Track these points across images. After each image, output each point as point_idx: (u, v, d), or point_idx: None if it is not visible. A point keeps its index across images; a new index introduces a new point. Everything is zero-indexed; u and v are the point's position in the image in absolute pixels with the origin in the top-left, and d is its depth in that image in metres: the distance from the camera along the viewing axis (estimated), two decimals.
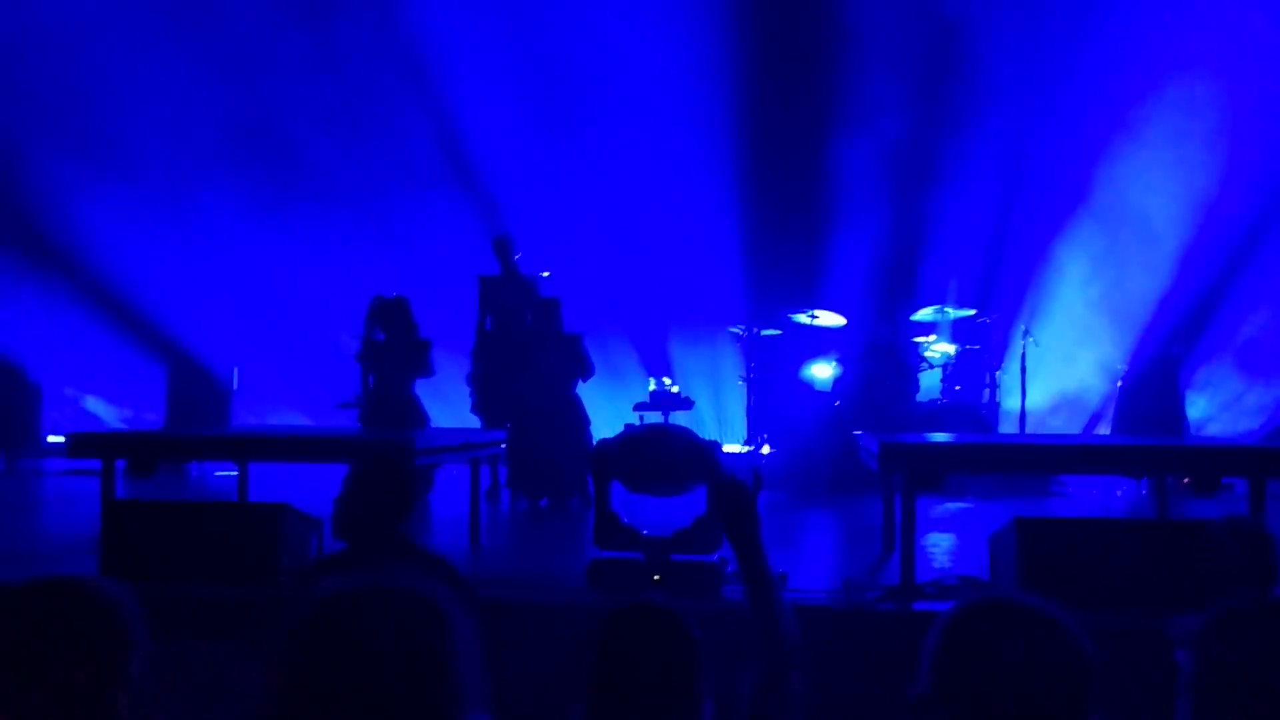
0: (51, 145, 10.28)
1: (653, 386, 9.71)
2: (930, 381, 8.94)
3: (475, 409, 8.28)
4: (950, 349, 8.80)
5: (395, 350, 7.75)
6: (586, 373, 7.70)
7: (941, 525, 6.33)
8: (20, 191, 10.16)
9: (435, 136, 10.93)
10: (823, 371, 9.10)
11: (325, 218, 11.25)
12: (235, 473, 6.10)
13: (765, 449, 8.75)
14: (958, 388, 8.75)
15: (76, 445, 5.08)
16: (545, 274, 8.37)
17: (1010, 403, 8.89)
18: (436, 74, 10.80)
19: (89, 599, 1.67)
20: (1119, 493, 7.44)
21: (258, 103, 10.68)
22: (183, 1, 10.45)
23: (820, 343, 9.74)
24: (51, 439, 9.32)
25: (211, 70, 10.49)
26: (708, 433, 9.66)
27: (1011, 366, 8.81)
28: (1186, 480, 6.74)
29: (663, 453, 4.51)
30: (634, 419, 9.34)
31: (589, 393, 7.99)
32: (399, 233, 11.06)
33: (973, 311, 9.14)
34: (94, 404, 10.57)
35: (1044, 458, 5.08)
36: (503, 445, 6.84)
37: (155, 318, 10.14)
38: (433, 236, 10.98)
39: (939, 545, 5.75)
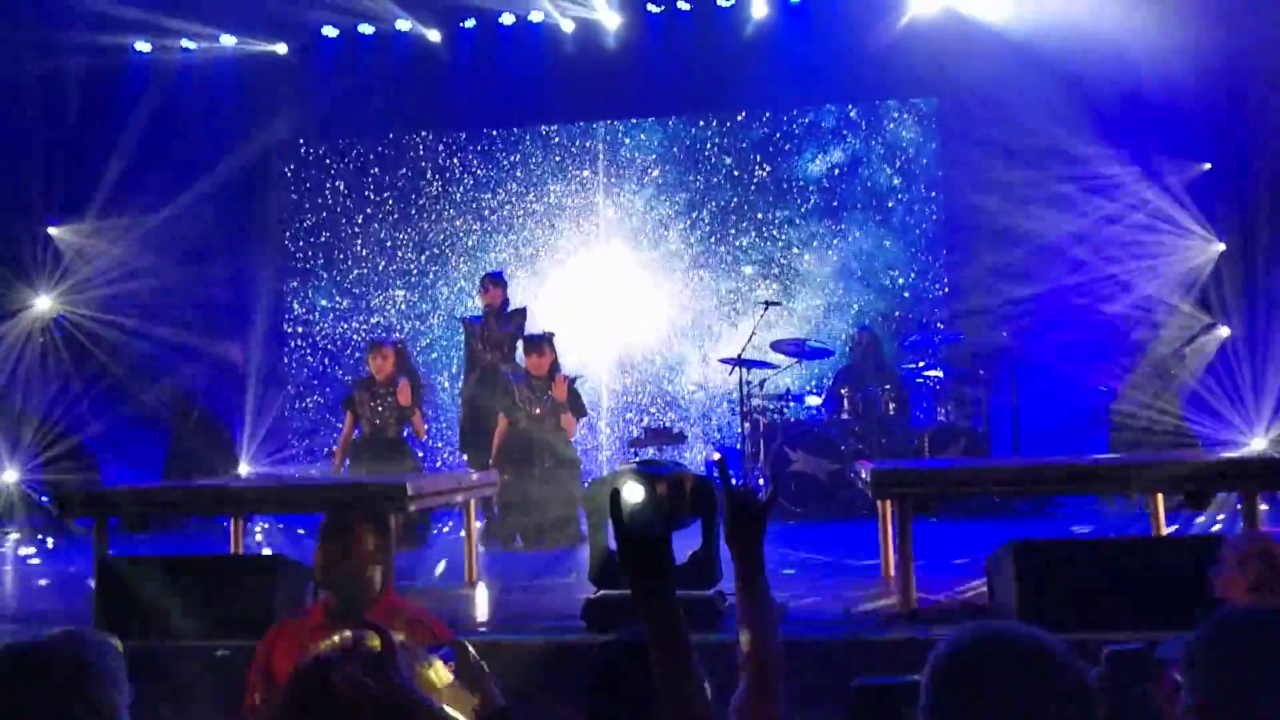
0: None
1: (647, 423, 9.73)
2: (922, 405, 8.94)
3: (462, 449, 8.29)
4: (940, 373, 8.83)
5: (386, 394, 7.76)
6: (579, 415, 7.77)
7: (938, 549, 6.31)
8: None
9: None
10: (812, 400, 9.12)
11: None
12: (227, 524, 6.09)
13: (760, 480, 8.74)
14: (949, 409, 8.77)
15: (66, 504, 5.06)
16: (525, 307, 8.43)
17: (1003, 424, 8.91)
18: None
19: (73, 657, 1.67)
20: None
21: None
22: None
23: (811, 371, 9.77)
24: None
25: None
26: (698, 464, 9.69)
27: (1003, 388, 8.84)
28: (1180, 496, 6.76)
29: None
30: (628, 455, 9.36)
31: (582, 428, 8.02)
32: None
33: (962, 335, 9.17)
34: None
35: (1034, 479, 5.08)
36: (495, 485, 6.82)
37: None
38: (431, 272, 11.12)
39: (937, 569, 5.73)
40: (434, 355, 10.93)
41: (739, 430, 8.99)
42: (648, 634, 1.82)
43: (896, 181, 10.45)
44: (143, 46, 10.76)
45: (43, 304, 10.49)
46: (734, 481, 2.11)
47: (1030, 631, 1.60)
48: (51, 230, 10.68)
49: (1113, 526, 7.07)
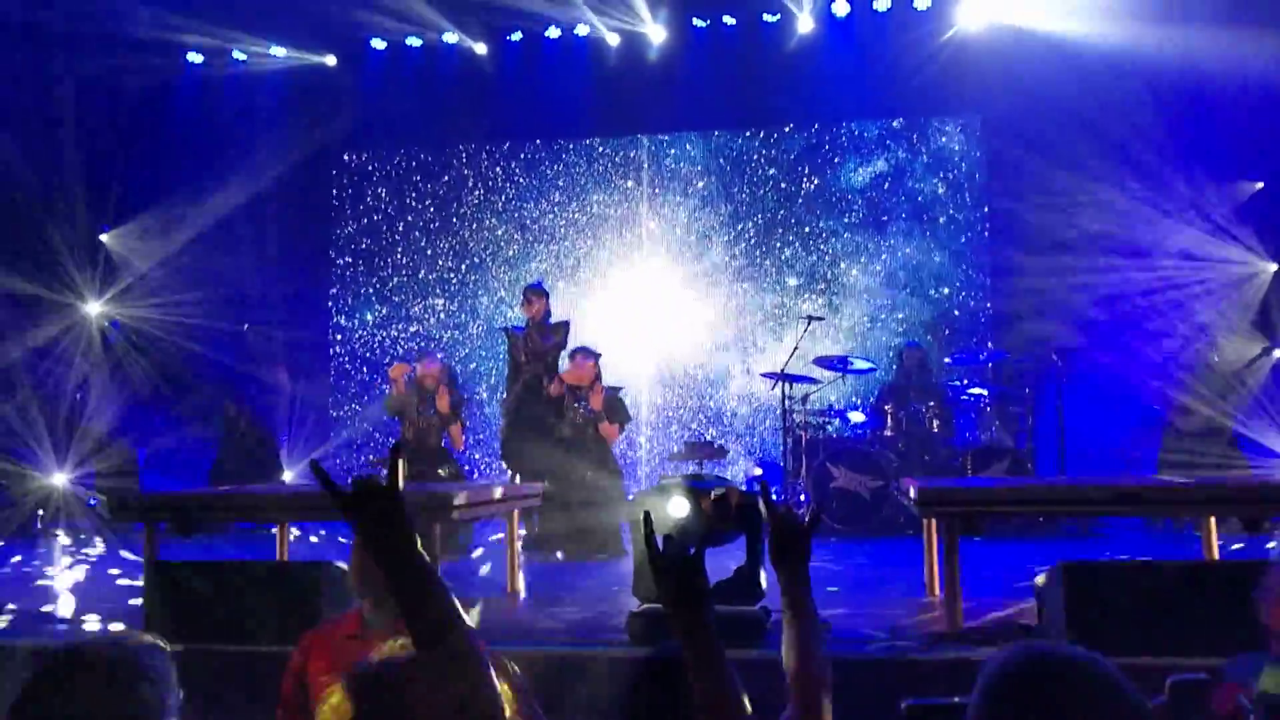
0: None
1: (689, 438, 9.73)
2: (967, 423, 8.86)
3: (503, 458, 8.32)
4: (984, 391, 8.75)
5: (431, 402, 7.84)
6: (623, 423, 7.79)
7: (982, 568, 6.24)
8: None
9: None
10: (855, 417, 9.07)
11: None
12: (275, 531, 6.15)
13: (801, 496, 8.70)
14: (994, 428, 8.68)
15: (118, 507, 5.12)
16: (568, 320, 8.46)
17: (1048, 443, 8.80)
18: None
19: (123, 660, 1.69)
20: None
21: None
22: None
23: (854, 386, 9.71)
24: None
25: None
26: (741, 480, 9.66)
27: (1049, 407, 8.74)
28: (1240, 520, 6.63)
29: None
30: (669, 469, 9.34)
31: (622, 442, 8.04)
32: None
33: (1008, 354, 9.08)
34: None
35: (1084, 499, 5.01)
36: (539, 496, 6.84)
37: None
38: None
39: (982, 589, 5.66)
40: (473, 365, 10.99)
41: (781, 446, 8.95)
42: (685, 653, 1.83)
43: (941, 190, 10.41)
44: (195, 57, 10.95)
45: (93, 309, 10.67)
46: (776, 502, 2.12)
47: (1084, 654, 1.57)
48: (103, 237, 10.87)
49: (1162, 549, 6.98)
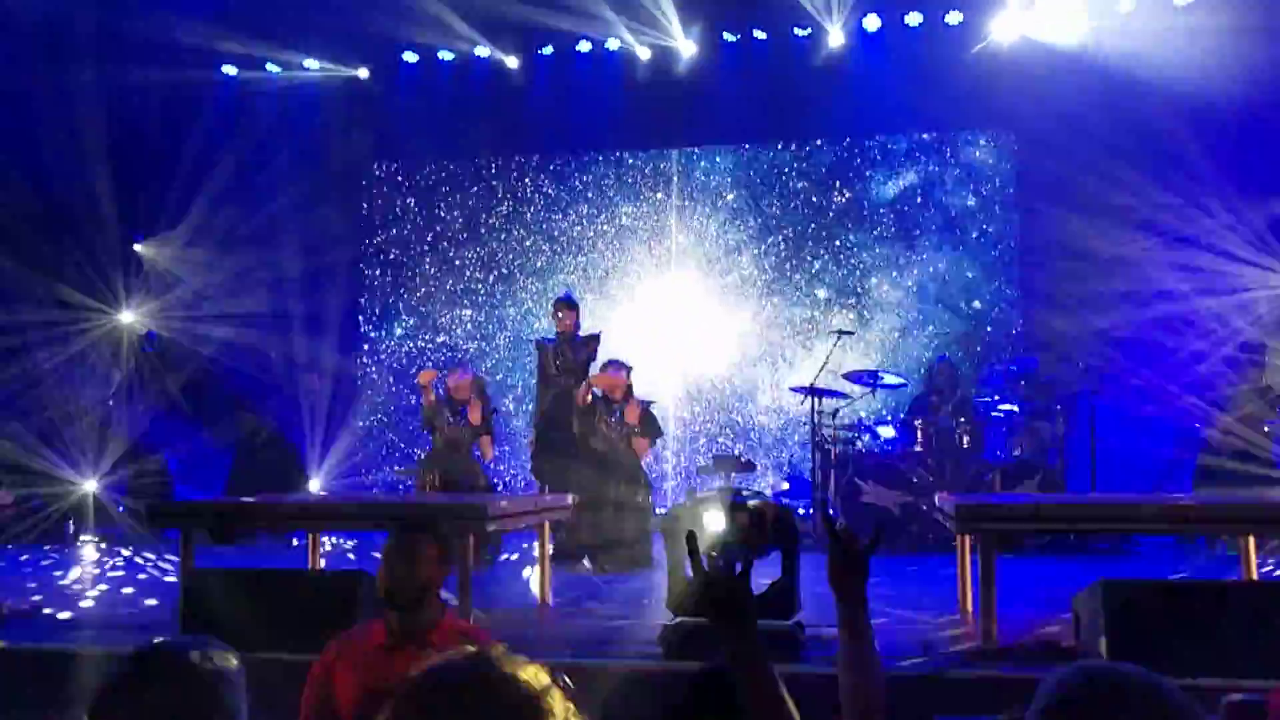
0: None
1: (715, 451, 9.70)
2: (996, 439, 8.80)
3: (533, 471, 8.34)
4: (1015, 407, 8.69)
5: (462, 412, 7.87)
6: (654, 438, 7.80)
7: (1013, 585, 6.18)
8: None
9: None
10: (885, 432, 9.02)
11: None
12: (298, 542, 6.17)
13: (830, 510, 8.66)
14: (1024, 444, 8.62)
15: (156, 514, 5.15)
16: (599, 333, 8.46)
17: (1079, 459, 8.73)
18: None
19: (200, 665, 1.70)
20: None
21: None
22: None
23: (885, 401, 9.67)
24: None
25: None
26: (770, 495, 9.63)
27: (1080, 423, 8.67)
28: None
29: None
30: (696, 482, 9.32)
31: (649, 455, 8.04)
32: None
33: (1038, 363, 9.02)
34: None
35: (1128, 517, 4.97)
36: (569, 509, 6.83)
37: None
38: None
39: (1014, 606, 5.61)
40: (500, 376, 11.01)
41: (810, 460, 8.92)
42: (734, 672, 1.83)
43: (972, 204, 10.38)
44: (229, 69, 11.06)
45: (127, 318, 10.77)
46: (837, 526, 2.12)
47: (1146, 674, 1.55)
48: (137, 247, 10.97)
49: (1196, 567, 6.90)
